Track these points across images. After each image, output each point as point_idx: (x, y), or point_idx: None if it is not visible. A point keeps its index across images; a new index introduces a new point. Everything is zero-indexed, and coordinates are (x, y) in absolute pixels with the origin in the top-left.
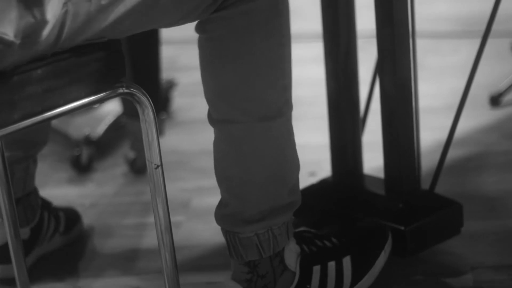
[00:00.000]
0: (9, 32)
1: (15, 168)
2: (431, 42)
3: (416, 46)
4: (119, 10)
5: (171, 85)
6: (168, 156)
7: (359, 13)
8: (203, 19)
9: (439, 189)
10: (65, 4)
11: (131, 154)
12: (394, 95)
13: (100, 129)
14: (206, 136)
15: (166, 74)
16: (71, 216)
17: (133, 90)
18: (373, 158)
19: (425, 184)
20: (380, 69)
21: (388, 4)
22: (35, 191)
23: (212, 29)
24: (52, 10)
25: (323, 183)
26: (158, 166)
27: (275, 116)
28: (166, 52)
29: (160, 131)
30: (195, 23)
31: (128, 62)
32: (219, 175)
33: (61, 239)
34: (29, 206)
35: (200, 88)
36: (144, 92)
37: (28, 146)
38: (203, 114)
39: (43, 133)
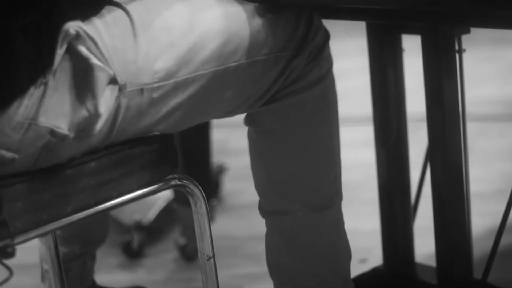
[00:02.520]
0: (63, 125)
1: (72, 265)
2: (479, 125)
3: (466, 128)
4: (170, 103)
5: (221, 170)
6: (219, 242)
7: (409, 96)
8: (252, 112)
9: (492, 278)
10: (117, 97)
11: (182, 240)
12: (445, 180)
13: (151, 214)
14: (257, 221)
15: (216, 157)
16: None
17: (186, 182)
18: (424, 244)
19: (478, 273)
20: (431, 154)
21: (438, 87)
22: (93, 286)
23: (261, 121)
24: (105, 103)
25: (374, 272)
26: (210, 258)
27: (326, 207)
28: (216, 135)
29: (211, 218)
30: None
31: (178, 147)
32: (271, 266)
33: None
34: None
35: (250, 172)
36: (197, 183)
37: (85, 242)
38: (253, 199)
39: (101, 228)
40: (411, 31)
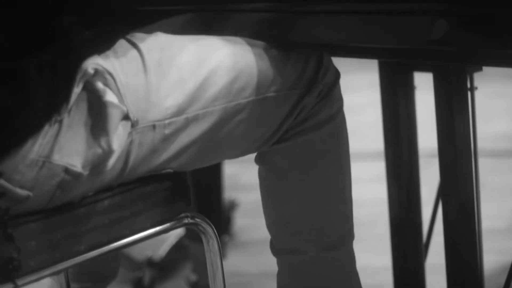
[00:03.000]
0: (77, 163)
1: None
2: (491, 161)
3: (478, 165)
4: (182, 140)
5: (233, 205)
6: (231, 279)
7: (420, 131)
8: (263, 151)
9: None
10: (130, 133)
11: (193, 277)
12: (457, 216)
13: (162, 251)
14: (269, 257)
15: (227, 193)
16: None
17: (198, 221)
18: (436, 281)
19: None
20: (443, 190)
21: (450, 123)
22: None
23: (272, 160)
24: (118, 140)
25: None
26: None
27: (338, 246)
28: (228, 170)
29: (222, 255)
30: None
31: (190, 182)
32: None
33: None
34: None
35: (261, 208)
36: (209, 222)
37: (97, 278)
38: (265, 235)
39: (112, 265)
40: (423, 68)
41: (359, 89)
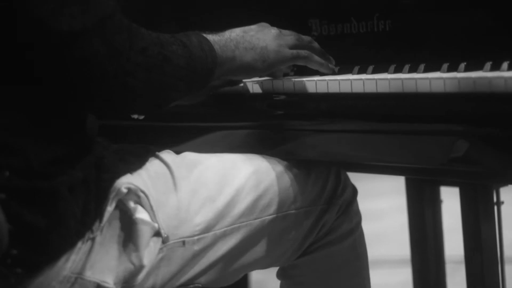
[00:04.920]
0: (109, 280)
1: None
2: None
3: (505, 272)
4: (211, 256)
5: None
6: None
7: (447, 237)
8: (284, 265)
9: None
10: (160, 249)
11: None
12: None
13: None
14: None
15: None
16: None
17: None
18: None
19: None
20: None
21: (476, 231)
22: None
23: (294, 274)
24: (149, 255)
25: None
26: None
27: None
28: (255, 276)
29: None
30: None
31: None
32: None
33: None
34: None
35: None
36: None
37: None
38: None
39: None
40: (450, 183)
41: (384, 193)
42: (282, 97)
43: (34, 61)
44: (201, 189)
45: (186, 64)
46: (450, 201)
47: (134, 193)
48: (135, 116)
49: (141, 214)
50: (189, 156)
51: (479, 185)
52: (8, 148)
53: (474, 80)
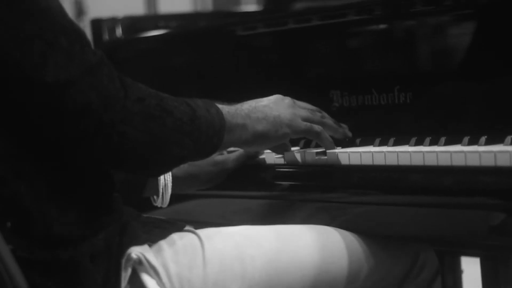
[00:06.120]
0: None
1: None
2: None
3: None
4: None
5: None
6: None
7: None
8: None
9: None
10: None
11: None
12: None
13: None
14: None
15: None
16: None
17: None
18: None
19: None
20: None
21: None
22: None
23: None
24: None
25: None
26: None
27: None
28: None
29: None
30: None
31: None
32: None
33: None
34: None
35: None
36: None
37: None
38: None
39: None
40: (471, 253)
41: None
42: (297, 168)
43: (33, 119)
44: (235, 263)
45: (190, 121)
46: (470, 267)
47: (148, 264)
48: (158, 204)
49: (151, 286)
50: (224, 230)
51: (500, 257)
52: (29, 216)
53: (495, 154)
